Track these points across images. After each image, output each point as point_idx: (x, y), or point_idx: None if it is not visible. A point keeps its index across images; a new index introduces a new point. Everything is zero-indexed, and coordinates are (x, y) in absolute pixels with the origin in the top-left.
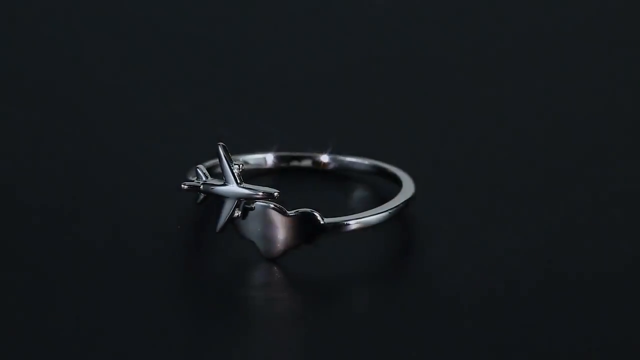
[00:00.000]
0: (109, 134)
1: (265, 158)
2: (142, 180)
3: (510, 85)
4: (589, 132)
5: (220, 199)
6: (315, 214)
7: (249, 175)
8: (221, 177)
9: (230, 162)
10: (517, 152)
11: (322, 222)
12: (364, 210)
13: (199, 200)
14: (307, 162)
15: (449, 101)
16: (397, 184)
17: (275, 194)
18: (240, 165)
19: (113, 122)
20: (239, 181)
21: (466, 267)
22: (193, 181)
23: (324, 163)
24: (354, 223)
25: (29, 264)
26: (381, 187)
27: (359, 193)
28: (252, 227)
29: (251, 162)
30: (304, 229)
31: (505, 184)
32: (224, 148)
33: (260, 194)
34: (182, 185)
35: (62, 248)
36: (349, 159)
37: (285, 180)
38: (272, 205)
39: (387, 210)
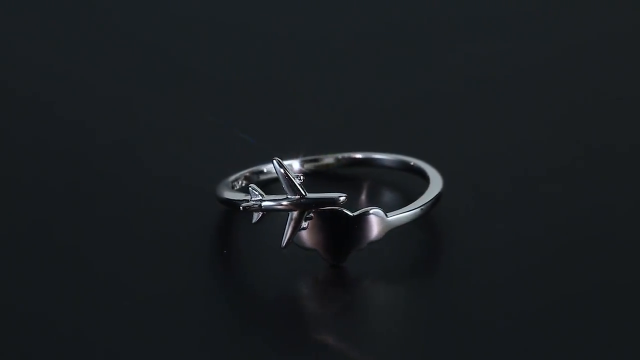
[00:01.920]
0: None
1: (291, 165)
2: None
3: (536, 79)
4: (621, 130)
5: (282, 213)
6: (380, 210)
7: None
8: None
9: (292, 174)
10: (544, 147)
11: (386, 218)
12: (391, 207)
13: (255, 220)
14: (332, 162)
15: (468, 97)
16: (424, 179)
17: (343, 198)
18: (301, 176)
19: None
20: (304, 192)
21: (496, 263)
22: (248, 200)
23: (354, 160)
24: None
25: (67, 281)
26: (405, 183)
27: (384, 191)
28: (315, 236)
29: (274, 171)
30: (369, 227)
31: (531, 180)
32: (279, 162)
33: (331, 200)
34: (240, 207)
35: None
36: (375, 155)
37: (313, 184)
38: (335, 210)
39: (418, 207)
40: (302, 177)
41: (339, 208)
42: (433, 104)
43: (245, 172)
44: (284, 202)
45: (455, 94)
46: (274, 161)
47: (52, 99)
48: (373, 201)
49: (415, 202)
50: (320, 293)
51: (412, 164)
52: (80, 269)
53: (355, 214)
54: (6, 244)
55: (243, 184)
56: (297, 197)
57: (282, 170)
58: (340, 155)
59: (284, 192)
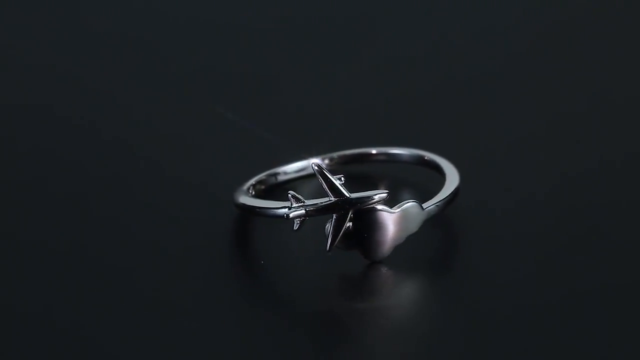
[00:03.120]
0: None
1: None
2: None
3: (542, 75)
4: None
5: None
6: (417, 202)
7: (294, 185)
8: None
9: (332, 176)
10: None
11: (423, 210)
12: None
13: (296, 227)
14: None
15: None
16: (440, 173)
17: (385, 195)
18: (342, 177)
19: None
20: (347, 193)
21: (515, 259)
22: (291, 207)
23: (370, 156)
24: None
25: (79, 287)
26: (414, 177)
27: (401, 185)
28: (356, 235)
29: (290, 171)
30: (409, 220)
31: (542, 174)
32: (318, 165)
33: (375, 198)
34: (285, 216)
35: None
36: (391, 150)
37: None
38: (375, 208)
39: (448, 196)
40: (342, 178)
41: (378, 205)
42: (436, 99)
43: (262, 175)
44: (329, 205)
45: (458, 89)
46: (312, 165)
47: (55, 101)
48: (398, 196)
49: (441, 191)
50: (341, 291)
51: (426, 157)
52: (96, 274)
53: (395, 209)
54: (38, 259)
55: (254, 190)
56: (341, 198)
57: (322, 172)
58: (340, 153)
59: (324, 195)
